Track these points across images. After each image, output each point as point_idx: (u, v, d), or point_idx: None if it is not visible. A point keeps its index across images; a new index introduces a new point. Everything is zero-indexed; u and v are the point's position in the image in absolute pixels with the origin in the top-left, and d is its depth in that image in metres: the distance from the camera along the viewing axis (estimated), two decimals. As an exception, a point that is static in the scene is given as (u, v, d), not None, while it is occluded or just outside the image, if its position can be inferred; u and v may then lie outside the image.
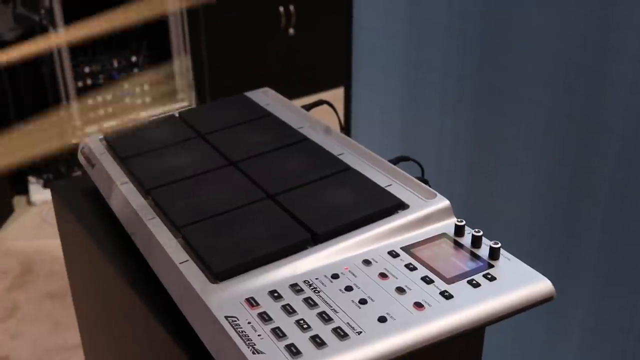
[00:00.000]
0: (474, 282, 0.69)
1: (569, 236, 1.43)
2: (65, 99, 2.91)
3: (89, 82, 2.98)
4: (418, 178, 0.86)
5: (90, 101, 2.99)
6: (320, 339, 0.63)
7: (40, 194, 3.00)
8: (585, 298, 1.42)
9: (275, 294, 0.69)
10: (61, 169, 2.97)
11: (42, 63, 2.84)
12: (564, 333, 1.48)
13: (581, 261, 1.41)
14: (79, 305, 1.15)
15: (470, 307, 0.67)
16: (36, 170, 3.01)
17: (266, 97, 1.10)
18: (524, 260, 0.73)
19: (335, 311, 0.67)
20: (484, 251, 0.74)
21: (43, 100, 2.90)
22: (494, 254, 0.72)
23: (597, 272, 1.39)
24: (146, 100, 3.14)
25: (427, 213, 0.79)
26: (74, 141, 2.93)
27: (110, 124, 3.03)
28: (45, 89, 2.89)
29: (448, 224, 0.78)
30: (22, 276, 2.56)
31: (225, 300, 0.69)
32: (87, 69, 2.94)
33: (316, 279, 0.71)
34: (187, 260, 0.75)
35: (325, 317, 0.66)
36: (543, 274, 0.71)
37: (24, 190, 3.03)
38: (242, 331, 0.65)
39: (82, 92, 2.96)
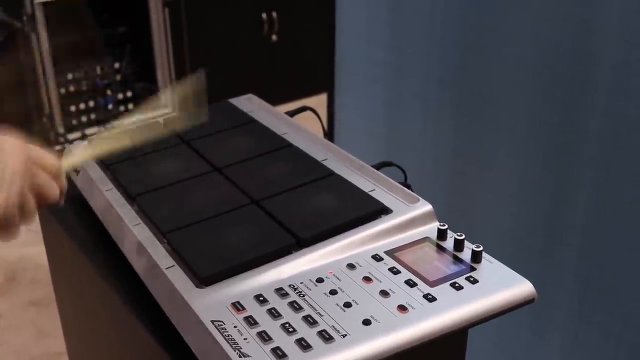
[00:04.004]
0: (457, 284, 0.70)
1: (549, 240, 1.45)
2: (47, 106, 2.90)
3: (71, 89, 2.97)
4: (401, 183, 0.87)
5: (73, 108, 2.97)
6: (305, 342, 0.64)
7: (22, 201, 2.97)
8: (566, 301, 1.44)
9: (261, 298, 0.70)
10: (43, 176, 2.95)
11: (24, 69, 2.83)
12: (545, 335, 1.49)
13: (561, 265, 1.43)
14: (64, 312, 1.15)
15: (453, 310, 0.68)
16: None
17: (250, 104, 1.11)
18: (505, 264, 0.74)
19: (320, 314, 0.67)
20: (466, 254, 0.75)
21: (26, 107, 2.89)
22: (476, 257, 0.74)
23: (577, 276, 1.41)
24: (129, 107, 3.14)
25: (410, 217, 0.80)
26: (56, 148, 2.92)
27: (93, 131, 3.02)
28: (27, 95, 2.88)
29: (431, 228, 0.79)
30: (5, 284, 2.54)
31: (211, 304, 0.70)
32: (70, 76, 2.93)
33: (301, 283, 0.72)
34: (173, 265, 0.76)
35: (310, 321, 0.67)
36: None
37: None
38: (228, 335, 0.65)
39: (65, 99, 2.95)
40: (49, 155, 0.75)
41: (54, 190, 0.74)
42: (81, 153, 0.85)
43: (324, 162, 0.92)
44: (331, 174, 0.89)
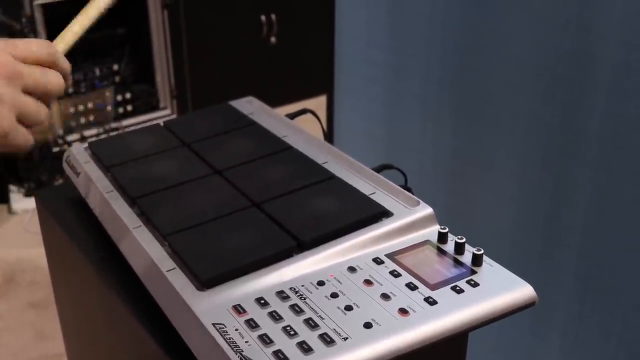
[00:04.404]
0: (458, 288, 0.71)
1: (549, 241, 1.45)
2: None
3: (70, 90, 2.97)
4: (401, 186, 0.87)
5: (72, 109, 2.98)
6: (307, 345, 0.64)
7: (21, 202, 2.98)
8: (566, 302, 1.44)
9: (262, 301, 0.70)
10: (42, 178, 2.96)
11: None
12: (545, 336, 1.49)
13: (561, 266, 1.43)
14: (64, 314, 1.15)
15: (454, 313, 0.68)
16: (17, 179, 2.99)
17: (250, 106, 1.11)
18: (505, 266, 0.74)
19: (322, 317, 0.67)
20: (467, 258, 0.75)
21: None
22: (476, 260, 0.74)
23: (577, 277, 1.41)
24: (128, 109, 3.14)
25: (410, 220, 0.80)
26: (55, 149, 2.92)
27: (91, 133, 3.02)
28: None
29: (431, 231, 0.80)
30: (3, 286, 2.54)
31: (212, 307, 0.70)
32: (68, 77, 2.93)
33: (302, 285, 0.72)
34: (174, 268, 0.76)
35: (311, 324, 0.67)
36: (524, 280, 0.72)
37: (5, 199, 3.01)
38: (229, 338, 0.65)
39: (63, 100, 2.95)
40: (39, 44, 0.70)
41: (54, 80, 0.70)
42: (71, 29, 0.82)
43: (325, 165, 0.92)
44: (332, 176, 0.89)
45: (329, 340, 0.64)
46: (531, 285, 0.71)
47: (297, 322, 0.67)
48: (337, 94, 1.88)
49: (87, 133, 3.00)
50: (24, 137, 0.70)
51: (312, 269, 0.74)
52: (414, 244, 0.78)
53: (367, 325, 0.66)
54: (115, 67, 3.08)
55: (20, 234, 2.82)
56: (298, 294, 0.71)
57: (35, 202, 1.07)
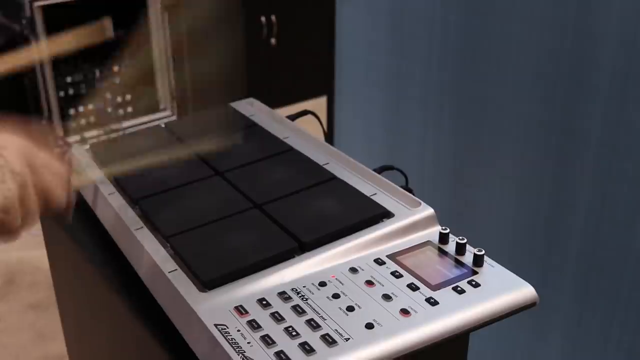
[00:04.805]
0: (459, 288, 0.71)
1: (549, 244, 1.45)
2: (46, 109, 2.90)
3: (70, 92, 2.97)
4: (402, 187, 0.87)
5: (71, 111, 2.98)
6: (309, 345, 0.64)
7: (21, 204, 2.97)
8: (565, 304, 1.44)
9: (264, 302, 0.70)
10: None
11: (23, 73, 2.83)
12: (545, 339, 1.50)
13: (561, 268, 1.43)
14: (65, 316, 1.15)
15: (455, 313, 0.68)
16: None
17: (251, 108, 1.11)
18: (505, 267, 0.74)
19: (323, 318, 0.68)
20: (468, 258, 0.75)
21: (24, 110, 2.89)
22: (478, 261, 0.74)
23: (576, 279, 1.42)
24: (128, 110, 3.14)
25: (412, 221, 0.80)
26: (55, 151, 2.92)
27: (91, 134, 3.02)
28: (26, 98, 2.88)
29: (433, 232, 0.80)
30: (3, 287, 2.54)
31: (214, 308, 0.70)
32: (69, 79, 2.93)
33: (304, 286, 0.72)
34: (176, 269, 0.76)
35: (313, 324, 0.67)
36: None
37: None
38: (231, 339, 0.66)
39: (63, 102, 2.95)
40: (58, 163, 0.69)
41: (59, 192, 0.67)
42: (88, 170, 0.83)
43: (326, 166, 0.92)
44: (333, 178, 0.89)
45: (330, 340, 0.65)
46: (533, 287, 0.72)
47: (299, 323, 0.67)
48: (338, 96, 1.88)
49: (87, 135, 3.00)
50: (13, 226, 0.64)
51: (313, 270, 0.75)
52: (415, 245, 0.78)
53: (369, 326, 0.66)
54: (116, 68, 3.08)
55: (21, 235, 2.82)
56: (300, 295, 0.71)
57: (37, 204, 1.07)
